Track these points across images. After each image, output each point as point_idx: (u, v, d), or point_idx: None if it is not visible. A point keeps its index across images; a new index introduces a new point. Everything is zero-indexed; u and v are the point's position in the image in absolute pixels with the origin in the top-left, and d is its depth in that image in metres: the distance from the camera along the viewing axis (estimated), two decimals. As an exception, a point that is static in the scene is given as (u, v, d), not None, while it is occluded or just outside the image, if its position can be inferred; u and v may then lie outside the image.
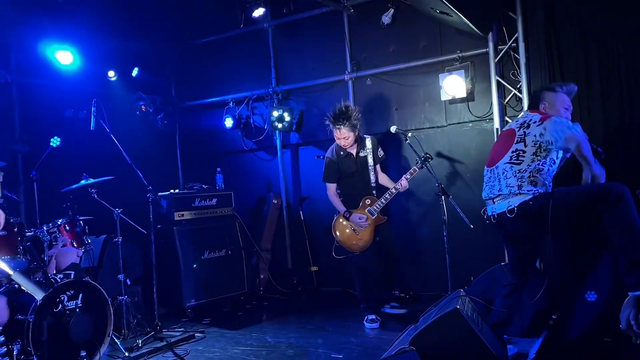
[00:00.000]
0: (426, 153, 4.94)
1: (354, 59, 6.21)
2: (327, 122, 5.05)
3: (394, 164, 5.96)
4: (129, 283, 4.93)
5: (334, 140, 5.14)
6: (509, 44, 5.25)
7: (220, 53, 7.06)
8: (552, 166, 3.54)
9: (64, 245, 4.36)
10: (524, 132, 3.58)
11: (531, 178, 3.47)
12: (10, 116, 5.80)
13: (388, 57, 5.99)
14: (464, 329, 2.97)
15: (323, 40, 6.41)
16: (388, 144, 6.01)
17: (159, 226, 5.66)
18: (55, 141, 5.60)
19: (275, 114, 6.41)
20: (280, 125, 6.43)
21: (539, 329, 4.04)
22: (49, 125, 5.77)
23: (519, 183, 3.48)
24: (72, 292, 3.98)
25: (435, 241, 5.22)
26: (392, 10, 5.75)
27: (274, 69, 6.76)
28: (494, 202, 3.64)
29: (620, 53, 4.66)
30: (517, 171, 3.50)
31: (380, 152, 5.21)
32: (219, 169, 6.51)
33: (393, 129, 5.11)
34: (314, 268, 6.33)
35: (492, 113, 5.38)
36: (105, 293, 4.19)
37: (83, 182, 4.71)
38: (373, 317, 4.94)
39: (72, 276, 4.07)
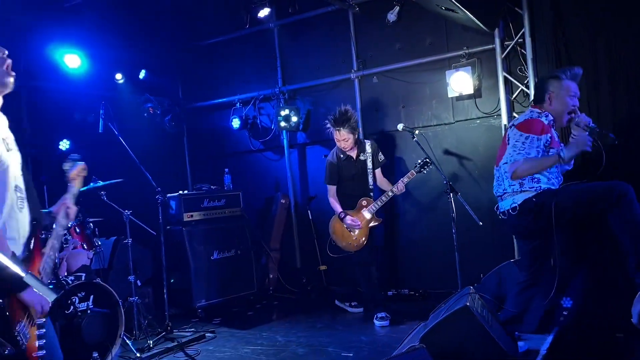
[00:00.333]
0: (425, 158, 4.95)
1: (360, 58, 6.21)
2: (327, 125, 5.16)
3: (402, 162, 5.95)
4: (139, 284, 4.97)
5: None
6: (515, 39, 5.22)
7: (227, 54, 7.08)
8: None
9: (74, 248, 4.40)
10: (509, 135, 3.64)
11: (532, 175, 3.50)
12: (19, 120, 5.85)
13: (394, 55, 5.98)
14: (474, 326, 2.96)
15: (329, 39, 6.41)
16: (395, 142, 6.01)
17: (168, 227, 5.69)
18: (64, 144, 5.66)
19: (282, 113, 6.41)
20: (287, 125, 6.44)
21: (551, 325, 4.02)
22: (58, 128, 5.82)
23: (520, 180, 3.53)
24: (83, 293, 4.03)
25: (444, 238, 5.20)
26: (398, 7, 5.74)
27: (280, 69, 6.77)
28: (502, 199, 3.69)
29: (629, 46, 4.62)
30: None
31: (381, 157, 5.25)
32: (227, 170, 6.53)
33: (400, 126, 5.10)
34: (323, 267, 6.34)
35: (500, 109, 5.36)
36: (116, 294, 4.22)
37: (92, 184, 4.74)
38: (383, 314, 4.95)
39: (83, 278, 4.10)
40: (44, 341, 2.16)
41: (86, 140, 5.67)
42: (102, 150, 5.52)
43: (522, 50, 5.20)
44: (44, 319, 2.18)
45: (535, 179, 3.51)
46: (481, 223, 4.65)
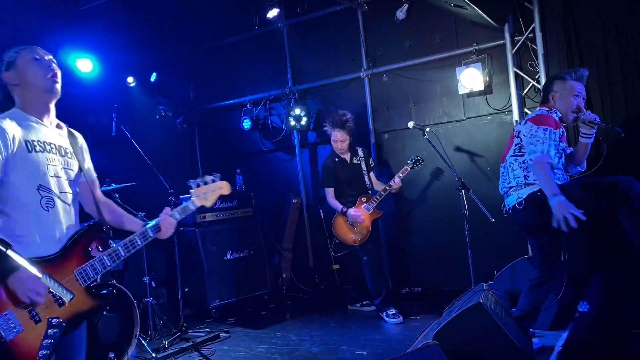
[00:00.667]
0: (417, 156, 5.33)
1: (370, 56, 6.20)
2: (325, 128, 5.44)
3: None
4: (154, 285, 5.00)
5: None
6: (525, 34, 5.19)
7: (237, 55, 7.11)
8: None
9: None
10: (519, 129, 3.66)
11: None
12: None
13: (404, 53, 5.97)
14: (488, 323, 2.95)
15: (338, 38, 6.42)
16: (406, 140, 6.00)
17: (181, 228, 5.74)
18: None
19: (293, 113, 6.43)
20: (297, 125, 6.46)
21: (565, 321, 4.00)
22: (71, 132, 5.87)
23: (525, 173, 3.55)
24: (99, 295, 4.06)
25: (457, 236, 5.18)
26: (407, 5, 5.73)
27: (290, 69, 6.79)
28: (507, 196, 3.69)
29: (641, 39, 4.58)
30: (522, 162, 3.58)
31: (372, 162, 5.50)
32: (238, 170, 6.56)
33: (411, 124, 5.10)
34: (336, 266, 6.34)
35: (511, 105, 5.33)
36: (131, 295, 4.26)
37: (106, 187, 4.79)
38: (394, 310, 4.97)
39: (99, 280, 4.14)
40: (50, 341, 2.11)
41: (100, 143, 5.71)
42: (115, 153, 5.57)
43: (533, 45, 5.16)
44: (59, 319, 2.16)
45: None
46: (494, 220, 4.63)
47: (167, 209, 2.55)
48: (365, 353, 4.16)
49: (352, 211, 5.16)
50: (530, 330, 3.85)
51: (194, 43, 7.15)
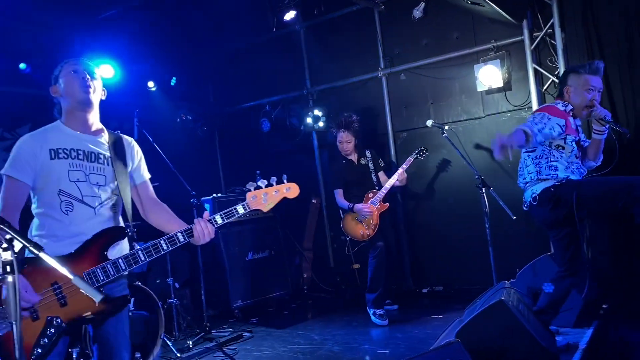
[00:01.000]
0: (422, 147, 5.47)
1: (387, 55, 6.21)
2: (332, 129, 5.55)
3: (433, 158, 5.93)
4: (177, 286, 5.08)
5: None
6: (544, 30, 5.14)
7: (255, 58, 7.17)
8: (562, 151, 3.58)
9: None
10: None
11: (548, 163, 3.56)
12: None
13: (421, 51, 5.97)
14: (510, 321, 2.95)
15: (355, 39, 6.43)
16: (425, 138, 5.99)
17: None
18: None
19: (311, 114, 6.46)
20: (316, 126, 6.49)
21: (590, 319, 3.96)
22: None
23: (537, 169, 3.60)
24: (124, 296, 4.15)
25: (478, 234, 5.15)
26: (423, 4, 5.72)
27: (307, 70, 6.82)
28: (525, 191, 3.72)
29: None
30: (534, 158, 3.63)
31: (381, 162, 5.52)
32: (258, 172, 6.60)
33: (429, 123, 5.09)
34: (356, 266, 6.35)
35: (531, 101, 5.29)
36: (155, 296, 4.33)
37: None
38: (382, 312, 5.02)
39: (127, 280, 4.23)
40: (46, 340, 2.13)
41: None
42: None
43: (552, 41, 5.12)
44: (59, 320, 2.16)
45: (553, 167, 3.56)
46: (515, 217, 4.60)
47: (206, 213, 2.49)
48: (387, 352, 4.18)
49: (359, 205, 5.19)
50: (554, 327, 3.82)
51: (212, 47, 7.22)
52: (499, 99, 5.55)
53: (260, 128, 6.97)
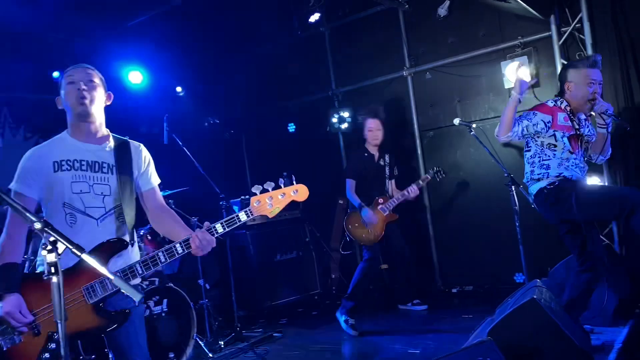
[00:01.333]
0: (438, 167, 5.55)
1: (412, 54, 6.19)
2: (361, 117, 5.55)
3: (460, 157, 5.89)
4: (208, 287, 5.15)
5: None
6: (572, 25, 5.06)
7: (280, 60, 7.22)
8: (554, 149, 3.63)
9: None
10: None
11: (541, 162, 3.65)
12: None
13: (447, 49, 5.93)
14: (543, 319, 2.91)
15: (379, 39, 6.43)
16: (452, 137, 5.95)
17: (233, 231, 5.87)
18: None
19: (336, 115, 6.48)
20: (341, 127, 6.50)
21: (626, 317, 3.89)
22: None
23: (531, 168, 3.70)
24: (157, 297, 4.23)
25: (507, 233, 5.09)
26: (448, 2, 5.68)
27: (332, 72, 6.85)
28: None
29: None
30: (529, 157, 3.74)
31: (396, 171, 5.54)
32: (285, 174, 6.64)
33: (456, 121, 5.05)
34: (384, 266, 6.34)
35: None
36: (187, 297, 4.41)
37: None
38: (353, 322, 4.94)
39: (157, 283, 4.32)
40: (48, 355, 2.15)
41: (152, 152, 5.93)
42: (168, 161, 5.76)
43: (581, 36, 5.04)
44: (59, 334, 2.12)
45: (545, 166, 3.63)
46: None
47: (206, 223, 2.37)
48: (417, 352, 4.16)
49: (369, 213, 5.11)
50: (589, 327, 3.77)
51: (238, 51, 7.31)
52: (527, 96, 5.46)
53: (286, 130, 7.02)
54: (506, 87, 5.44)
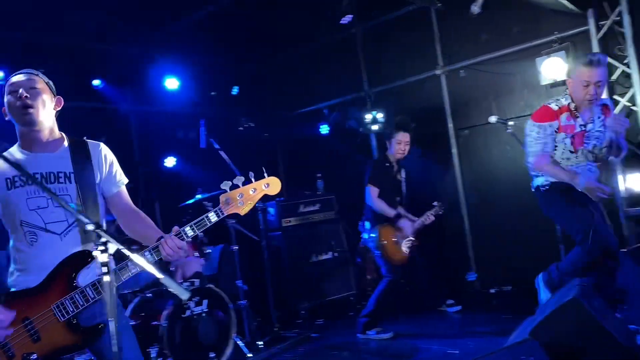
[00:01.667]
0: (440, 203, 5.24)
1: (445, 53, 6.15)
2: (387, 130, 5.48)
3: (496, 156, 5.81)
4: (245, 288, 5.23)
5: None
6: (611, 18, 4.95)
7: (313, 62, 7.28)
8: (554, 150, 3.70)
9: (187, 256, 4.72)
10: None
11: None
12: (130, 142, 6.40)
13: (480, 47, 5.87)
14: (586, 319, 2.85)
15: (412, 38, 6.41)
16: (488, 135, 5.88)
17: (268, 233, 5.95)
18: (171, 161, 6.09)
19: (369, 116, 6.48)
20: (374, 127, 6.50)
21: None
22: (164, 147, 6.29)
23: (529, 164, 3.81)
24: (197, 298, 4.32)
25: (546, 231, 5.00)
26: (482, -1, 5.63)
27: (364, 72, 6.86)
28: None
29: None
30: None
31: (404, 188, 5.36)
32: (319, 175, 6.70)
33: (493, 119, 4.99)
34: (420, 266, 6.30)
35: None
36: (227, 298, 4.48)
37: (199, 196, 5.07)
38: (380, 328, 4.82)
39: (197, 284, 4.41)
40: None
41: (190, 156, 6.07)
42: (204, 164, 5.89)
43: (620, 29, 4.91)
44: (35, 355, 2.09)
45: None
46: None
47: (175, 228, 2.23)
48: (457, 352, 4.13)
49: (408, 224, 4.95)
50: (635, 327, 3.67)
51: (270, 55, 7.40)
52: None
53: (319, 132, 7.06)
54: (542, 83, 5.35)
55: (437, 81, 6.22)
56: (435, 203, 5.21)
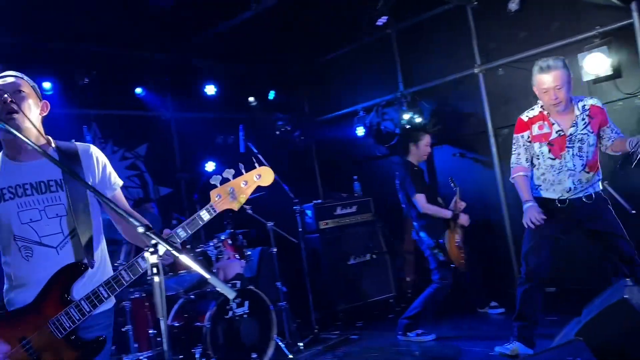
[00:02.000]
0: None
1: (483, 51, 6.07)
2: (416, 132, 5.53)
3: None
4: (285, 290, 5.28)
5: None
6: (656, 10, 4.79)
7: (347, 65, 7.30)
8: (537, 160, 3.82)
9: (228, 258, 4.81)
10: None
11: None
12: (172, 148, 6.56)
13: (519, 44, 5.76)
14: (636, 320, 2.78)
15: (448, 37, 6.35)
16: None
17: (306, 235, 6.00)
18: (210, 166, 6.21)
19: (405, 117, 6.46)
20: (411, 128, 6.46)
21: None
22: (204, 152, 6.43)
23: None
24: (239, 300, 4.40)
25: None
26: (520, -5, 5.54)
27: (400, 73, 6.83)
28: None
29: None
30: None
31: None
32: (355, 177, 6.71)
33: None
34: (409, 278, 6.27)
35: (645, 88, 4.95)
36: (267, 300, 4.55)
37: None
38: (422, 330, 4.84)
39: (238, 285, 4.49)
40: None
41: (229, 160, 6.16)
42: (243, 168, 5.95)
43: (666, 22, 4.76)
44: None
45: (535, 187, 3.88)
46: (634, 211, 4.31)
47: (166, 231, 2.14)
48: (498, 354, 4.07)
49: (465, 219, 5.00)
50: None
51: (305, 58, 7.46)
52: (608, 88, 5.24)
53: (355, 134, 7.07)
54: (585, 79, 5.22)
55: (475, 80, 6.15)
56: (451, 184, 5.22)
